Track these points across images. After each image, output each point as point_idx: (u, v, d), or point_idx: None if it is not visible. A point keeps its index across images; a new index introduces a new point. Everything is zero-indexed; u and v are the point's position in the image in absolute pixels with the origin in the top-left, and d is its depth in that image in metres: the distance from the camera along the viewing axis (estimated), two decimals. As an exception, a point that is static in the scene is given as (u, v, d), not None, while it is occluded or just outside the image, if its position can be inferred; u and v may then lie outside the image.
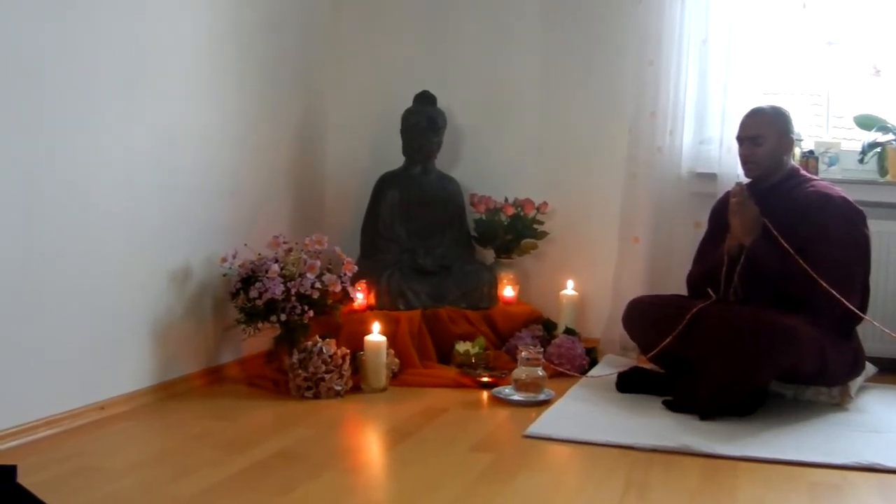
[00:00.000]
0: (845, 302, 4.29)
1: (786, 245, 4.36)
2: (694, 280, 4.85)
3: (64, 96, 3.86)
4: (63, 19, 3.84)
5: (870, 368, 4.79)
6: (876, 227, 4.78)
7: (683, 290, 4.92)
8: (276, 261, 4.72)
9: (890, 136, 5.38)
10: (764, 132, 4.62)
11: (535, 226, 5.68)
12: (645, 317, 4.77)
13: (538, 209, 5.67)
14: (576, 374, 5.01)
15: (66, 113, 3.87)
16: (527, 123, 5.89)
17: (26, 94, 3.69)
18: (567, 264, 5.76)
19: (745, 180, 4.75)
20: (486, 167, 5.92)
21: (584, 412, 4.30)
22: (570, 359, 5.10)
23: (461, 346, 5.10)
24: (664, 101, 5.42)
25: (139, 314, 4.36)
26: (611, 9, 5.70)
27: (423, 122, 5.57)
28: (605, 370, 5.00)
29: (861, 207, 4.55)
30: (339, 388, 4.54)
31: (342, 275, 4.86)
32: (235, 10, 4.96)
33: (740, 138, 4.71)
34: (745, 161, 4.70)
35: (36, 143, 3.73)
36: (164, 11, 4.44)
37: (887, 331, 4.55)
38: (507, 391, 4.59)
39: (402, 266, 5.38)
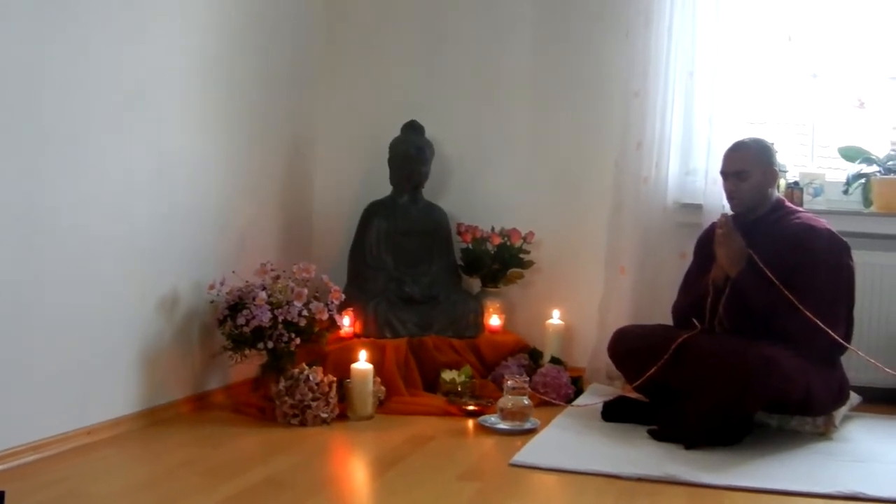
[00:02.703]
0: (830, 332, 4.31)
1: (771, 276, 4.38)
2: (679, 310, 4.86)
3: (59, 122, 3.88)
4: (59, 47, 3.86)
5: (854, 398, 4.81)
6: (860, 258, 4.80)
7: (669, 320, 4.92)
8: (264, 288, 4.73)
9: (874, 168, 5.41)
10: (748, 167, 4.62)
11: (522, 255, 5.70)
12: (630, 346, 4.77)
13: (525, 239, 5.69)
14: (561, 403, 5.01)
15: (62, 138, 3.90)
16: (514, 153, 5.92)
17: (22, 117, 3.71)
18: (553, 294, 5.78)
19: (731, 212, 4.77)
20: (473, 197, 5.94)
21: (569, 441, 4.31)
22: (556, 388, 5.11)
23: (447, 375, 5.11)
24: (650, 132, 5.44)
25: (127, 340, 4.36)
26: (598, 41, 5.74)
27: (412, 152, 5.60)
28: (591, 399, 5.01)
29: (845, 238, 4.57)
30: (325, 415, 4.54)
31: (329, 303, 4.86)
32: (227, 40, 4.99)
33: (724, 173, 4.72)
34: (731, 196, 4.71)
35: (30, 167, 3.75)
36: (158, 41, 4.47)
37: (872, 360, 4.57)
38: (492, 420, 4.60)
39: (389, 294, 5.39)
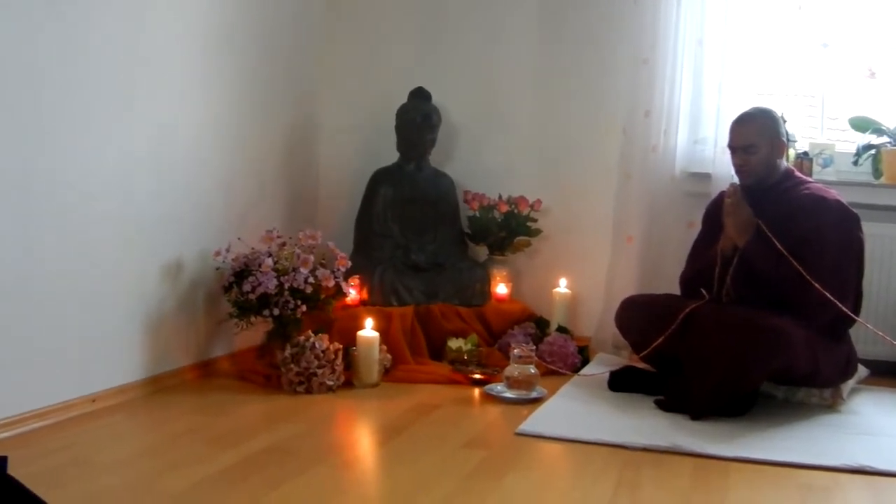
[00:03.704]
0: (839, 304, 4.29)
1: (779, 246, 4.36)
2: (687, 280, 4.84)
3: (61, 94, 3.87)
4: (61, 20, 3.84)
5: (862, 371, 4.80)
6: (870, 230, 4.77)
7: (676, 290, 4.91)
8: (270, 255, 4.71)
9: (884, 139, 5.38)
10: (755, 140, 4.59)
11: (529, 223, 5.68)
12: (637, 316, 4.76)
13: (532, 207, 5.66)
14: (568, 372, 5.01)
15: (63, 110, 3.88)
16: (521, 121, 5.89)
17: (23, 92, 3.69)
18: (560, 262, 5.76)
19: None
20: (480, 164, 5.91)
21: (575, 410, 4.30)
22: (563, 357, 5.10)
23: (453, 343, 5.10)
24: (659, 100, 5.41)
25: (131, 307, 4.35)
26: (607, 8, 5.69)
27: (418, 119, 5.57)
28: (597, 369, 5.00)
29: (855, 210, 4.55)
30: (331, 383, 4.54)
31: (335, 270, 4.85)
32: (229, 8, 4.96)
33: (732, 147, 4.69)
34: (739, 170, 4.67)
35: (32, 139, 3.74)
36: (160, 12, 4.44)
37: (880, 333, 4.56)
38: (499, 388, 4.59)
39: (396, 262, 5.38)
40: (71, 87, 3.91)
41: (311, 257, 4.77)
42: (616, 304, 4.96)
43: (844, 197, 4.61)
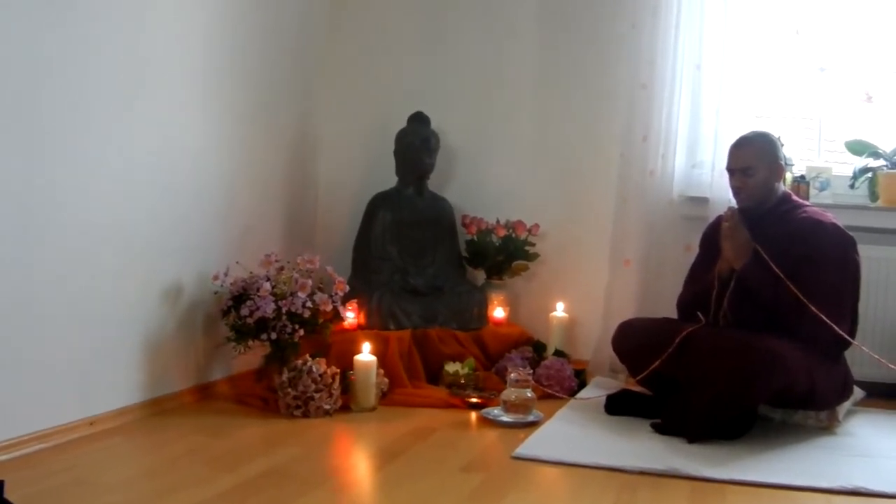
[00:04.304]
0: (835, 327, 4.30)
1: (777, 270, 4.38)
2: (684, 303, 4.85)
3: (60, 110, 3.87)
4: (62, 31, 3.85)
5: (858, 393, 4.81)
6: (866, 253, 4.78)
7: (674, 313, 4.92)
8: (268, 279, 4.73)
9: (881, 162, 5.40)
10: (754, 163, 4.61)
11: (527, 247, 5.69)
12: (635, 339, 4.77)
13: (529, 231, 5.68)
14: (565, 395, 5.01)
15: (63, 128, 3.89)
16: (519, 145, 5.91)
17: (24, 107, 3.70)
18: (557, 286, 5.77)
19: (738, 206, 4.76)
20: (478, 188, 5.93)
21: (572, 434, 4.31)
22: (560, 380, 5.11)
23: (451, 367, 5.11)
24: (657, 124, 5.43)
25: (131, 330, 4.36)
26: (605, 32, 5.72)
27: (417, 143, 5.59)
28: (594, 392, 5.00)
29: (851, 233, 4.56)
30: (328, 407, 4.54)
31: (333, 294, 4.86)
32: (231, 28, 4.98)
33: (730, 170, 4.70)
34: (737, 192, 4.69)
35: (31, 156, 3.74)
36: (161, 28, 4.46)
37: (876, 356, 4.56)
38: (496, 412, 4.59)
39: (394, 286, 5.39)
40: (70, 104, 3.92)
41: (310, 281, 4.78)
42: (613, 328, 4.97)
43: (841, 220, 4.62)
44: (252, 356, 4.84)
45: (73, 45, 3.91)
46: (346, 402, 4.67)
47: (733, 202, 4.79)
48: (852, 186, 5.46)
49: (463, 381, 5.03)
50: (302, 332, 4.71)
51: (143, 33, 4.35)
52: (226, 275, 4.71)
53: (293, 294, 4.71)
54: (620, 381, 5.26)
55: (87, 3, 3.98)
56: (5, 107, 3.62)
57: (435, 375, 5.16)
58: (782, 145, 4.81)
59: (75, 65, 3.94)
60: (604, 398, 4.74)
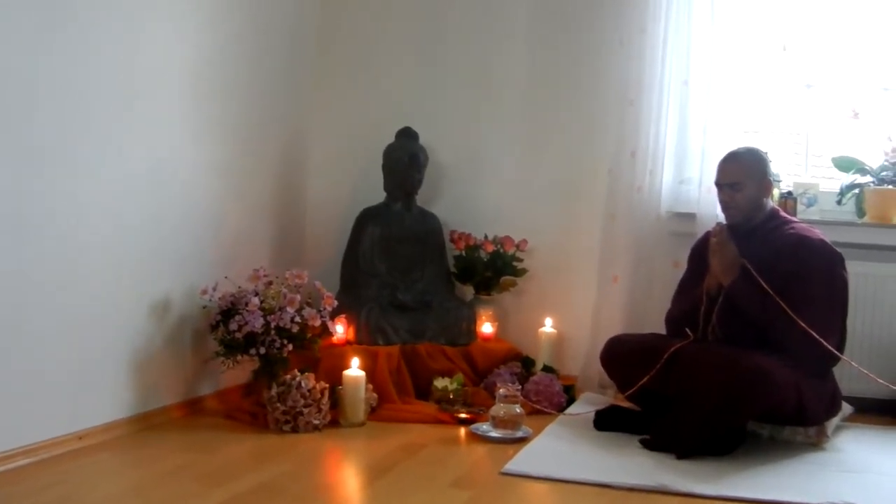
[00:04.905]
0: (824, 343, 4.31)
1: (765, 286, 4.38)
2: (672, 319, 4.85)
3: (52, 127, 3.88)
4: (55, 50, 3.86)
5: (846, 408, 4.81)
6: (854, 269, 4.79)
7: (662, 329, 4.92)
8: (257, 294, 4.72)
9: (868, 178, 5.42)
10: (742, 179, 4.62)
11: (515, 263, 5.70)
12: (623, 355, 4.77)
13: (518, 246, 5.69)
14: (553, 411, 5.01)
15: (54, 144, 3.89)
16: (508, 161, 5.92)
17: (16, 122, 3.70)
18: (546, 302, 5.77)
19: (726, 222, 4.76)
20: (466, 204, 5.94)
21: (561, 450, 4.31)
22: (548, 396, 5.11)
23: (439, 383, 5.10)
24: (644, 141, 5.45)
25: (119, 344, 4.35)
26: (593, 49, 5.74)
27: (406, 158, 5.59)
28: (583, 408, 5.01)
29: (839, 249, 4.58)
30: (317, 422, 4.54)
31: (322, 309, 4.86)
32: (221, 45, 4.99)
33: (719, 184, 4.71)
34: (725, 207, 4.70)
35: (23, 171, 3.74)
36: (152, 47, 4.47)
37: (865, 371, 4.57)
38: (484, 428, 4.59)
39: (382, 301, 5.38)
40: (63, 121, 3.92)
41: (298, 296, 4.78)
42: (602, 344, 4.96)
43: (828, 236, 4.63)
44: (241, 371, 4.84)
45: (63, 65, 3.91)
46: (335, 417, 4.66)
47: (721, 218, 4.80)
48: (839, 202, 5.48)
49: (452, 397, 5.02)
50: (291, 347, 4.71)
51: (136, 51, 4.36)
52: (214, 289, 4.71)
53: (282, 309, 4.70)
54: (609, 397, 5.25)
55: (76, 26, 3.99)
56: (0, 118, 3.63)
57: (424, 391, 5.16)
58: (770, 162, 4.83)
59: (68, 83, 3.94)
60: (593, 414, 4.74)
